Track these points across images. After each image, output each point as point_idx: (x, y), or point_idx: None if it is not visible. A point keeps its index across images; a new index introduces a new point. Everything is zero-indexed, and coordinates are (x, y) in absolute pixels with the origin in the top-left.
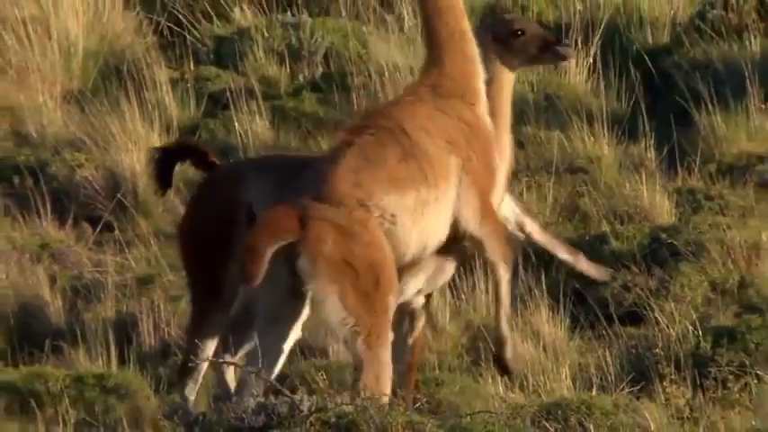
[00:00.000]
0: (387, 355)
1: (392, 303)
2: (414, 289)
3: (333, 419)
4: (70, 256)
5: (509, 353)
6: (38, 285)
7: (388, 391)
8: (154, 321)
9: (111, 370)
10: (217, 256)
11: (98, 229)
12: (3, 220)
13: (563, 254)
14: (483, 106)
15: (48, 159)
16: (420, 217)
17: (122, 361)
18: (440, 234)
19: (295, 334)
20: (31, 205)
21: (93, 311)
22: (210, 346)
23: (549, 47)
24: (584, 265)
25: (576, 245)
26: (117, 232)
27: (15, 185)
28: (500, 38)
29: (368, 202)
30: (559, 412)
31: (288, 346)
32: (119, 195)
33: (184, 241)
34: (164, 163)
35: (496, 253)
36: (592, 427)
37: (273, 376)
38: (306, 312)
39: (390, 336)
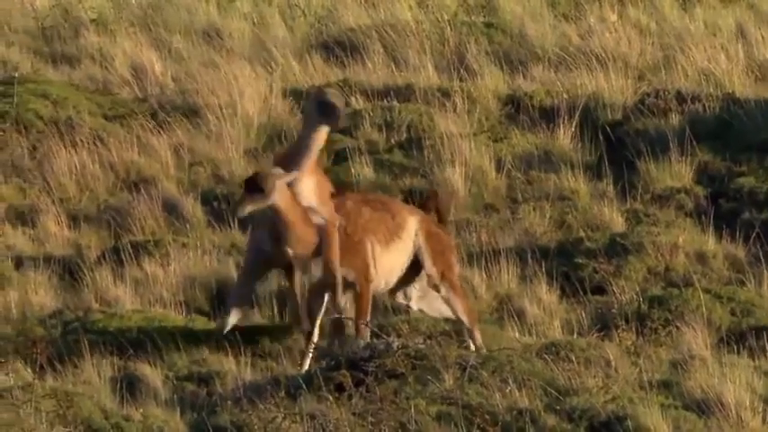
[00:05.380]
0: None
1: None
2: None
3: (412, 353)
4: None
5: None
6: (228, 269)
7: None
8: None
9: (274, 322)
10: None
11: None
12: (206, 230)
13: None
14: None
15: (235, 191)
16: None
17: (281, 317)
18: None
19: None
20: (225, 219)
21: (262, 286)
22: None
23: None
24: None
25: (564, 245)
26: None
27: (216, 208)
28: None
29: None
30: (553, 348)
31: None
32: None
33: None
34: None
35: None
36: (573, 357)
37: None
38: None
39: None
